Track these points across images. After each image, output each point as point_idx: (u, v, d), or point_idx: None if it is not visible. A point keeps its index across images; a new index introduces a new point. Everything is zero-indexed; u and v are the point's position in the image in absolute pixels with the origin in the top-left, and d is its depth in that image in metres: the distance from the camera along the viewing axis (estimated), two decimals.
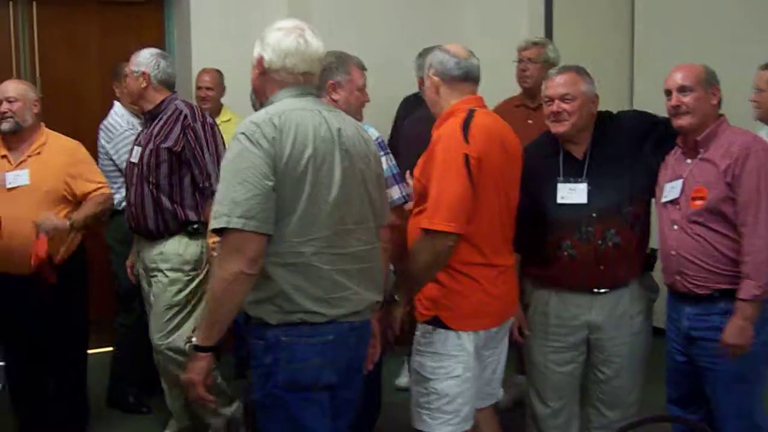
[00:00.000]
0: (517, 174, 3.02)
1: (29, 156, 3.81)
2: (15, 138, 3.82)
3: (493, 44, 4.83)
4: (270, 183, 2.34)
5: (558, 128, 3.14)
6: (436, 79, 2.97)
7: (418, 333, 2.99)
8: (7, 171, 3.77)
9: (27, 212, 3.67)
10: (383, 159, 3.03)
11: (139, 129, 4.16)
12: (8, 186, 3.74)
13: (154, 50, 3.89)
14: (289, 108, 2.46)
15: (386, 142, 3.61)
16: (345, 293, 2.49)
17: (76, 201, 3.82)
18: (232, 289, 2.35)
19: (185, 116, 3.70)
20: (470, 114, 2.88)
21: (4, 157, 3.82)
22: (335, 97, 3.19)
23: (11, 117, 3.77)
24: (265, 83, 2.57)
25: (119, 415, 4.51)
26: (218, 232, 2.37)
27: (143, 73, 3.77)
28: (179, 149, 3.64)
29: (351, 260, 2.51)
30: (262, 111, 2.48)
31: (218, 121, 4.43)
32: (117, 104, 4.63)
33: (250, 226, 2.31)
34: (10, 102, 3.77)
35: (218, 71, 5.10)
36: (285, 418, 2.47)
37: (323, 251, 2.44)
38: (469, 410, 2.98)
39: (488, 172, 2.84)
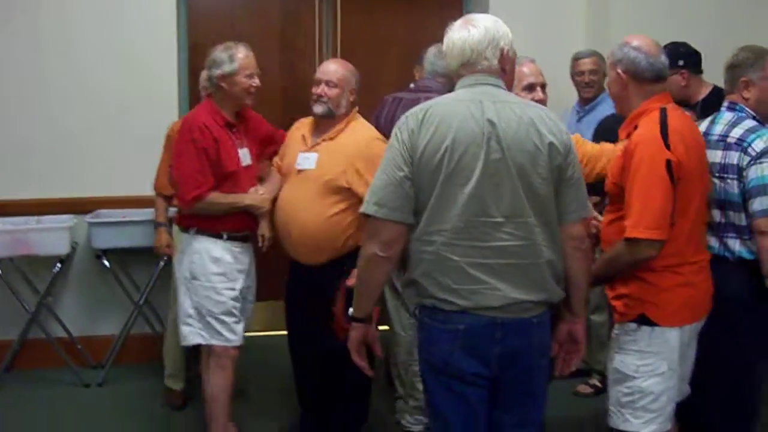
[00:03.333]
0: (706, 168, 3.03)
1: (323, 140, 3.72)
2: (324, 121, 3.75)
3: None
4: (401, 173, 2.47)
5: None
6: (625, 77, 2.96)
7: (616, 332, 3.01)
8: (301, 152, 3.74)
9: (307, 197, 3.64)
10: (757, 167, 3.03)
11: None
12: (298, 167, 3.71)
13: (433, 46, 4.10)
14: (443, 101, 2.57)
15: None
16: (478, 287, 2.48)
17: (358, 200, 3.54)
18: (369, 269, 2.56)
19: None
20: (663, 114, 2.89)
21: (303, 137, 3.78)
22: (746, 95, 3.20)
23: (326, 102, 3.71)
24: None
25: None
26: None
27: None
28: None
29: (494, 254, 2.48)
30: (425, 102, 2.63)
31: None
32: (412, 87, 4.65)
33: (380, 213, 2.48)
34: (328, 86, 3.71)
35: None
36: (429, 393, 2.64)
37: (454, 242, 2.47)
38: (672, 408, 2.97)
39: (689, 173, 2.85)
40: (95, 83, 4.97)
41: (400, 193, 2.47)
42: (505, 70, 2.62)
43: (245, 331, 3.89)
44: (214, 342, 3.69)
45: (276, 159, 3.96)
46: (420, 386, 3.86)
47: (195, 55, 5.23)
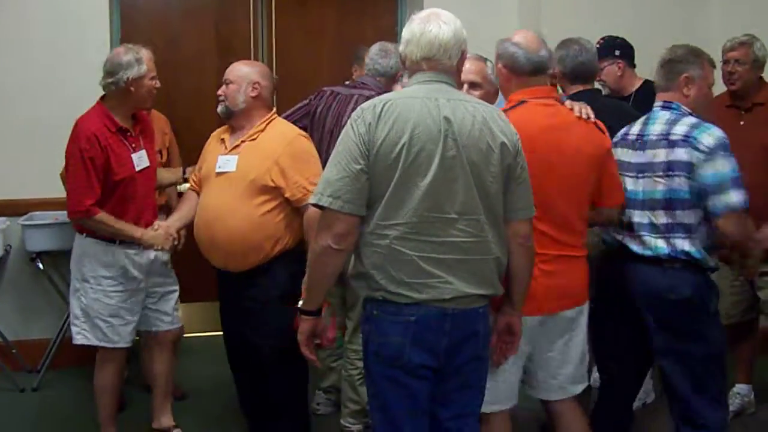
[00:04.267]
0: (576, 169, 2.97)
1: (243, 141, 3.57)
2: (233, 122, 3.64)
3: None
4: (358, 166, 2.47)
5: None
6: (505, 71, 3.04)
7: None
8: (221, 155, 3.60)
9: (231, 200, 3.48)
10: (724, 161, 3.02)
11: None
12: (217, 170, 3.56)
13: (376, 45, 4.19)
14: (402, 96, 2.57)
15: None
16: (430, 280, 2.52)
17: (285, 199, 3.48)
18: (321, 261, 2.56)
19: None
20: (515, 106, 2.94)
21: (222, 141, 3.67)
22: (686, 92, 3.20)
23: (223, 100, 3.61)
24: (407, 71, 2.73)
25: None
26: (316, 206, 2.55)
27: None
28: None
29: (447, 249, 2.53)
30: (379, 96, 2.63)
31: None
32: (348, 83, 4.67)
33: (335, 205, 2.47)
34: (225, 84, 3.62)
35: None
36: (374, 385, 2.65)
37: (408, 236, 2.50)
38: (510, 388, 3.02)
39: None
40: (24, 84, 4.89)
41: (356, 186, 2.48)
42: (459, 70, 2.68)
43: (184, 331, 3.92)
44: (98, 343, 3.76)
45: (193, 175, 3.85)
46: (360, 390, 3.91)
47: None
